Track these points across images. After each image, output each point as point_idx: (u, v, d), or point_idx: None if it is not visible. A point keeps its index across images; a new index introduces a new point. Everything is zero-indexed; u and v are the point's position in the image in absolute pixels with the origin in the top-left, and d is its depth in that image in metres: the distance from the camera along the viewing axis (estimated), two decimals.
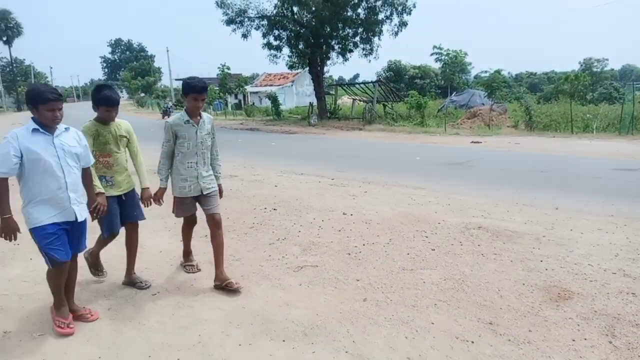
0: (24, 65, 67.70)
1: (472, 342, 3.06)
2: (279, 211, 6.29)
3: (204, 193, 3.87)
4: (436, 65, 53.10)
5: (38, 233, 2.98)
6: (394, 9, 23.92)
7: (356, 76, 74.90)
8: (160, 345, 3.03)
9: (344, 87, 31.98)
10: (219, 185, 4.07)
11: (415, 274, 4.17)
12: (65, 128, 3.11)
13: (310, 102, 28.01)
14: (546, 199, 6.91)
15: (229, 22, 25.24)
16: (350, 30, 25.36)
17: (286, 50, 26.30)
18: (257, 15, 25.25)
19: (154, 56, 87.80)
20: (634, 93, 20.99)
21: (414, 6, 24.03)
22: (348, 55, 26.13)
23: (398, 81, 49.23)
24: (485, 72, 49.12)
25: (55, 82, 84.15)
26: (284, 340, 3.11)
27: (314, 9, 23.39)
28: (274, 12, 25.05)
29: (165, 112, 32.39)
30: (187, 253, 4.37)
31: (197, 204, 4.00)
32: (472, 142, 15.90)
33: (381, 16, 24.24)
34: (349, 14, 24.28)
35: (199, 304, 3.64)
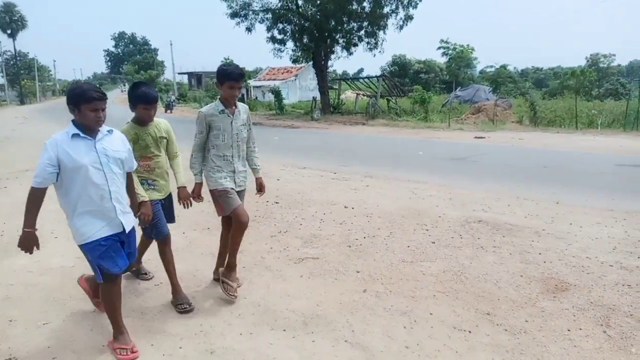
0: (28, 58, 67.72)
1: (470, 331, 3.11)
2: (281, 204, 6.34)
3: (236, 189, 3.57)
4: (441, 60, 52.85)
5: (87, 247, 2.72)
6: (399, 3, 23.84)
7: (360, 70, 74.68)
8: (162, 334, 3.09)
9: (348, 82, 31.93)
10: (260, 179, 3.81)
11: (414, 266, 4.22)
12: (108, 130, 2.82)
13: (313, 97, 28.04)
14: (548, 194, 6.93)
15: (233, 15, 25.24)
16: (355, 24, 25.30)
17: (290, 44, 26.35)
18: (261, 9, 25.26)
19: (157, 50, 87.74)
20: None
21: (420, 0, 23.94)
22: (353, 49, 26.11)
23: (402, 76, 49.06)
24: (491, 67, 48.80)
25: (58, 76, 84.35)
26: (284, 330, 3.16)
27: (319, 2, 23.38)
28: (279, 5, 25.05)
29: (168, 106, 32.43)
30: (232, 266, 3.67)
31: None
32: (476, 137, 15.88)
33: (387, 10, 24.19)
34: (354, 7, 24.20)
35: (200, 294, 3.70)
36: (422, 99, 23.58)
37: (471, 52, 50.09)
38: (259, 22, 25.42)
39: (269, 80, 43.89)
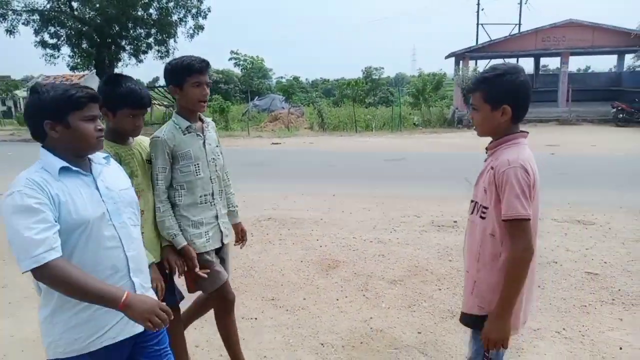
0: None
1: (256, 318, 3.38)
2: None
3: (224, 242, 2.55)
4: (238, 71, 54.29)
5: None
6: (187, 12, 23.55)
7: (156, 79, 70.74)
8: None
9: None
10: (239, 225, 2.76)
11: None
12: (105, 157, 1.76)
13: None
14: (327, 188, 7.87)
15: None
16: (143, 31, 23.96)
17: (66, 50, 23.28)
18: (25, 9, 21.69)
19: None
20: (399, 97, 25.46)
21: (209, 10, 24.07)
22: (142, 56, 24.62)
23: None
24: (282, 77, 52.16)
25: None
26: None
27: (97, 5, 21.35)
28: (48, 6, 21.94)
29: None
30: None
31: None
32: (273, 143, 16.88)
33: (175, 18, 23.60)
34: (139, 13, 22.89)
35: None
36: (221, 108, 23.89)
37: (262, 63, 52.69)
38: (23, 23, 21.80)
39: None
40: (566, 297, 3.58)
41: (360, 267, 4.26)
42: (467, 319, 1.83)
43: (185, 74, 2.29)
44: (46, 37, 22.53)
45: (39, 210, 1.44)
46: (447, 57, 23.44)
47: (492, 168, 1.69)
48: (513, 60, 27.23)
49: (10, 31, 21.66)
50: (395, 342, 3.05)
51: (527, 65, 27.42)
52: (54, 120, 1.53)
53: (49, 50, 22.75)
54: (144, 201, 2.22)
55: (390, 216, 5.91)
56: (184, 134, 2.35)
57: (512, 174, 1.60)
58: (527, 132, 1.75)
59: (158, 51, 24.34)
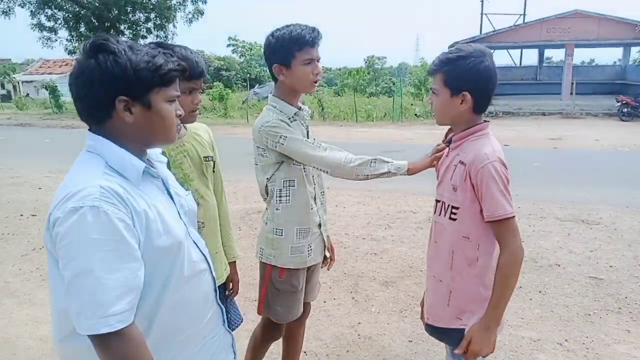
0: None
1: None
2: (40, 217, 5.45)
3: (327, 255, 2.20)
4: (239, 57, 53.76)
5: None
6: None
7: None
8: None
9: None
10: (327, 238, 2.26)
11: None
12: (163, 153, 1.35)
13: None
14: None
15: None
16: (142, 15, 23.61)
17: (64, 33, 22.95)
18: None
19: None
20: (401, 87, 25.07)
21: None
22: (141, 41, 24.24)
23: None
24: None
25: None
26: None
27: None
28: None
29: None
30: None
31: None
32: None
33: (174, 2, 23.21)
34: None
35: None
36: (221, 96, 23.63)
37: (261, 50, 52.08)
38: (20, 5, 21.42)
39: (43, 74, 37.71)
40: (569, 304, 3.36)
41: (350, 267, 4.04)
42: (444, 334, 1.62)
43: (294, 48, 1.81)
44: (43, 19, 22.21)
45: (125, 239, 0.98)
46: (449, 47, 23.06)
47: (461, 163, 1.51)
48: (517, 52, 26.82)
49: (5, 12, 21.31)
50: (384, 351, 2.84)
51: (531, 56, 27.05)
52: (134, 97, 1.06)
53: (45, 33, 22.45)
54: (204, 211, 1.77)
55: (385, 211, 5.68)
56: (292, 121, 1.93)
57: (492, 169, 1.43)
58: (488, 121, 1.57)
59: (157, 36, 24.02)
